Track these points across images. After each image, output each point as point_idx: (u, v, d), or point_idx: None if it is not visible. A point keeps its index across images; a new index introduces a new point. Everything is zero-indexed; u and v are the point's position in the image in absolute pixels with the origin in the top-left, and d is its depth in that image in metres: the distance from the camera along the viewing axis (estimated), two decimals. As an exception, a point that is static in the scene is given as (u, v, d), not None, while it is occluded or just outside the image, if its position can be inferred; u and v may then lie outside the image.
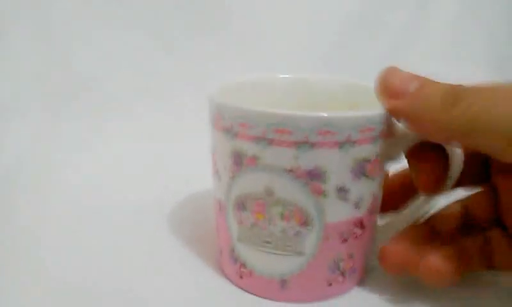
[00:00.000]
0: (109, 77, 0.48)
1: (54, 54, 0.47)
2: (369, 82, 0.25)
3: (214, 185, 0.26)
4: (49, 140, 0.42)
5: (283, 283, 0.24)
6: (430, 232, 0.25)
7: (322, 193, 0.22)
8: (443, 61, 0.55)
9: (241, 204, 0.24)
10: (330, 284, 0.25)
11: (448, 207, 0.26)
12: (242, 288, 0.26)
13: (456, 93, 0.20)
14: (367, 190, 0.23)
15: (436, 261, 0.23)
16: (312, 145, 0.21)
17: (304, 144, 0.21)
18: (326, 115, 0.21)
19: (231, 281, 0.26)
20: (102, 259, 0.28)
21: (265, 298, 0.25)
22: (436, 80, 0.21)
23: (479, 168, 0.25)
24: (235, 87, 0.29)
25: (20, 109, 0.44)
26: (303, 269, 0.24)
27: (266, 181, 0.22)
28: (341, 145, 0.21)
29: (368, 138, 0.22)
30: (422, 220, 0.26)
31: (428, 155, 0.24)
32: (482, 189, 0.25)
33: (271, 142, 0.22)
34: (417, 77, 0.21)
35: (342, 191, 0.23)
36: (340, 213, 0.23)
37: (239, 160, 0.23)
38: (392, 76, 0.22)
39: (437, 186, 0.24)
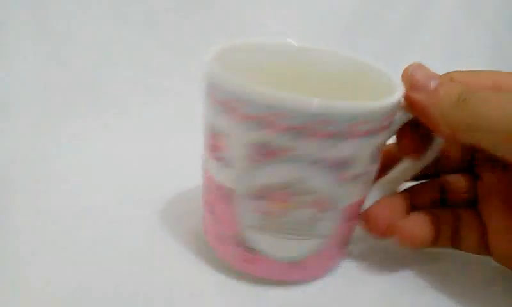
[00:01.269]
0: (109, 75, 0.48)
1: (53, 52, 0.47)
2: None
3: (216, 170, 0.24)
4: (46, 138, 0.41)
5: (297, 264, 0.25)
6: (408, 201, 0.28)
7: (345, 179, 0.23)
8: (443, 61, 0.52)
9: (262, 194, 0.23)
10: (338, 259, 0.27)
11: (427, 181, 0.29)
12: (247, 272, 0.26)
13: (466, 94, 0.22)
14: (375, 172, 0.25)
15: (411, 226, 0.26)
16: (346, 135, 0.21)
17: (339, 135, 0.21)
18: (361, 106, 0.21)
19: (234, 268, 0.26)
20: (100, 255, 0.28)
21: (271, 279, 0.26)
22: (454, 82, 0.23)
23: (465, 159, 0.28)
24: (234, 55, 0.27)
25: (18, 106, 0.43)
26: (320, 250, 0.25)
27: (295, 172, 0.22)
28: (369, 134, 0.22)
29: (386, 125, 0.23)
30: (401, 190, 0.29)
31: (413, 135, 0.26)
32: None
33: (305, 133, 0.21)
34: (438, 76, 0.24)
35: (359, 176, 0.23)
36: (354, 195, 0.24)
37: (264, 151, 0.22)
38: (417, 71, 0.24)
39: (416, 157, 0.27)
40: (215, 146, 0.24)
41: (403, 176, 0.28)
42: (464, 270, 0.29)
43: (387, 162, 0.28)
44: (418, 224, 0.26)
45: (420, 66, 0.24)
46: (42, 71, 0.46)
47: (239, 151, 0.23)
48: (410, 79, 0.24)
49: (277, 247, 0.24)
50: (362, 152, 0.23)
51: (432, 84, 0.23)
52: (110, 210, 0.32)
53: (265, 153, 0.22)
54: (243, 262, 0.25)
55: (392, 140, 0.26)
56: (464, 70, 0.25)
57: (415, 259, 0.29)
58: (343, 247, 0.27)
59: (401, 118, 0.25)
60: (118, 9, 0.50)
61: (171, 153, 0.40)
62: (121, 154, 0.41)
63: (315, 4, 0.56)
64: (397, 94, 0.23)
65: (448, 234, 0.27)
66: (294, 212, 0.23)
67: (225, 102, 0.22)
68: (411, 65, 0.24)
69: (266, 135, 0.21)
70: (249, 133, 0.22)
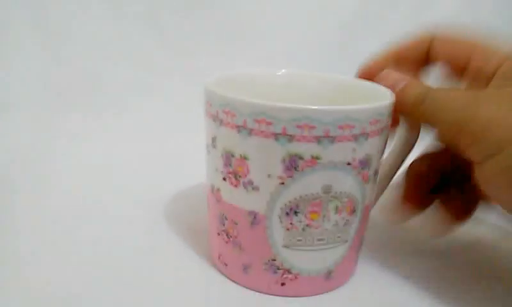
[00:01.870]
0: (108, 72, 0.49)
1: (53, 52, 0.47)
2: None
3: (240, 197, 0.23)
4: (46, 136, 0.42)
5: (329, 274, 0.25)
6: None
7: (367, 179, 0.23)
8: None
9: (292, 209, 0.22)
10: (357, 262, 0.27)
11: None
12: (279, 295, 0.25)
13: (425, 93, 0.24)
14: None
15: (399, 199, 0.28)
16: (367, 135, 0.22)
17: (362, 136, 0.22)
18: (376, 106, 0.22)
19: (264, 292, 0.25)
20: (100, 255, 0.28)
21: (309, 296, 0.25)
22: (420, 82, 0.25)
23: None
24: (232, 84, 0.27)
25: (19, 106, 0.44)
26: (345, 256, 0.25)
27: (325, 179, 0.22)
28: (383, 131, 0.23)
29: (389, 124, 0.24)
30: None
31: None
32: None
33: (333, 139, 0.21)
34: (405, 78, 0.25)
35: (376, 174, 0.24)
36: (372, 194, 0.25)
37: (293, 165, 0.21)
38: (387, 77, 0.26)
39: None
40: (236, 173, 0.23)
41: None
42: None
43: None
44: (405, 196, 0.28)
45: (388, 72, 0.26)
46: (42, 71, 0.47)
47: (266, 170, 0.22)
48: (382, 85, 0.26)
49: (313, 260, 0.24)
50: (376, 150, 0.24)
51: (399, 86, 0.25)
52: (110, 209, 0.33)
53: (295, 167, 0.22)
54: (275, 286, 0.24)
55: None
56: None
57: (424, 258, 0.30)
58: (360, 250, 0.27)
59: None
60: (118, 9, 0.51)
61: (171, 153, 0.41)
62: (121, 154, 0.41)
63: (315, 4, 0.57)
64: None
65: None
66: (329, 219, 0.23)
67: (246, 125, 0.22)
68: (381, 72, 0.26)
69: (293, 149, 0.21)
70: (275, 149, 0.21)
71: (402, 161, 0.28)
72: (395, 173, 0.28)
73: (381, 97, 0.24)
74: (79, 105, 0.46)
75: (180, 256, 0.28)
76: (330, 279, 0.25)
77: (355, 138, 0.22)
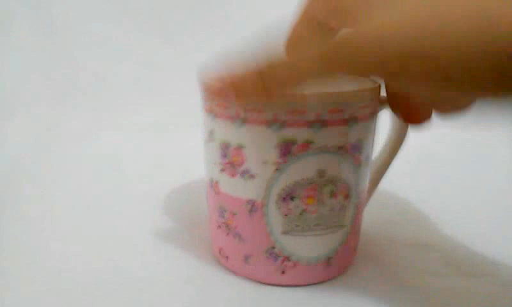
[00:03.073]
0: (109, 70, 0.49)
1: (54, 49, 0.48)
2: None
3: (238, 186, 0.24)
4: (50, 133, 0.43)
5: (328, 262, 0.25)
6: None
7: (359, 163, 0.24)
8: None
9: (289, 195, 0.23)
10: (356, 249, 0.27)
11: None
12: (281, 285, 0.25)
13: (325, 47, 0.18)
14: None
15: None
16: (358, 119, 0.23)
17: (353, 120, 0.23)
18: (368, 88, 0.23)
19: (265, 282, 0.25)
20: (103, 249, 0.28)
21: (308, 285, 0.25)
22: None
23: None
24: None
25: (22, 102, 0.45)
26: (343, 242, 0.25)
27: (319, 164, 0.23)
28: (371, 116, 0.24)
29: (378, 109, 0.25)
30: None
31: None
32: None
33: (324, 123, 0.22)
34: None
35: (367, 158, 0.25)
36: (365, 179, 0.25)
37: (287, 150, 0.22)
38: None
39: None
40: (233, 163, 0.24)
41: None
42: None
43: None
44: None
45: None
46: (43, 71, 0.48)
47: (261, 158, 0.23)
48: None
49: (311, 247, 0.24)
50: (368, 135, 0.24)
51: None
52: (112, 206, 0.33)
53: (289, 152, 0.22)
54: (281, 274, 0.25)
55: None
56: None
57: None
58: (357, 237, 0.27)
59: None
60: (120, 7, 0.52)
61: (171, 152, 0.41)
62: (122, 153, 0.42)
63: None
64: None
65: None
66: (325, 203, 0.23)
67: (240, 114, 0.22)
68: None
69: (287, 135, 0.22)
70: (269, 136, 0.22)
71: (394, 155, 0.28)
72: (387, 167, 0.29)
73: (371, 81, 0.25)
74: (79, 105, 0.47)
75: (181, 251, 0.28)
76: (329, 267, 0.25)
77: (346, 122, 0.22)
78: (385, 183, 0.30)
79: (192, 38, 0.53)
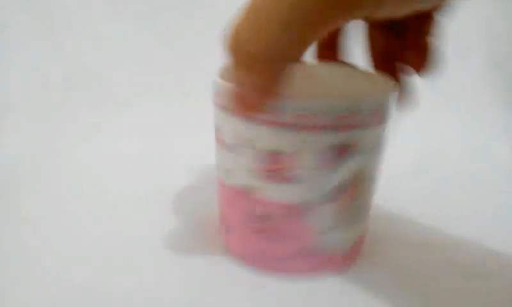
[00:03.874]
0: (109, 70, 0.49)
1: (54, 49, 0.47)
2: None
3: (280, 192, 0.24)
4: (50, 133, 0.42)
5: (347, 253, 0.27)
6: None
7: (379, 164, 0.27)
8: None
9: (336, 195, 0.24)
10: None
11: None
12: (299, 278, 0.26)
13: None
14: None
15: None
16: (387, 120, 0.25)
17: (384, 121, 0.25)
18: (395, 90, 0.25)
19: (291, 276, 0.26)
20: (104, 249, 0.28)
21: (324, 276, 0.27)
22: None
23: None
24: None
25: (21, 102, 0.44)
26: (361, 235, 0.28)
27: (360, 163, 0.24)
28: (387, 120, 0.26)
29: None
30: None
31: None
32: None
33: (367, 125, 0.24)
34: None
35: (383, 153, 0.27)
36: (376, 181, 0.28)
37: (341, 151, 0.23)
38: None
39: None
40: (275, 169, 0.24)
41: None
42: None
43: None
44: None
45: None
46: (43, 70, 0.47)
47: (312, 161, 0.23)
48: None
49: (344, 240, 0.26)
50: (385, 137, 0.26)
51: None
52: (114, 205, 0.33)
53: (336, 156, 0.24)
54: (307, 270, 0.26)
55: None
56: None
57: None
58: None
59: None
60: (119, 7, 0.51)
61: (170, 152, 0.41)
62: (123, 152, 0.42)
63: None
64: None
65: None
66: (360, 199, 0.26)
67: (297, 118, 0.23)
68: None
69: (342, 137, 0.23)
70: (324, 140, 0.23)
71: None
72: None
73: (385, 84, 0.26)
74: (80, 104, 0.45)
75: (190, 248, 0.29)
76: (345, 258, 0.27)
77: (380, 123, 0.24)
78: (387, 183, 0.30)
79: (193, 38, 0.51)
